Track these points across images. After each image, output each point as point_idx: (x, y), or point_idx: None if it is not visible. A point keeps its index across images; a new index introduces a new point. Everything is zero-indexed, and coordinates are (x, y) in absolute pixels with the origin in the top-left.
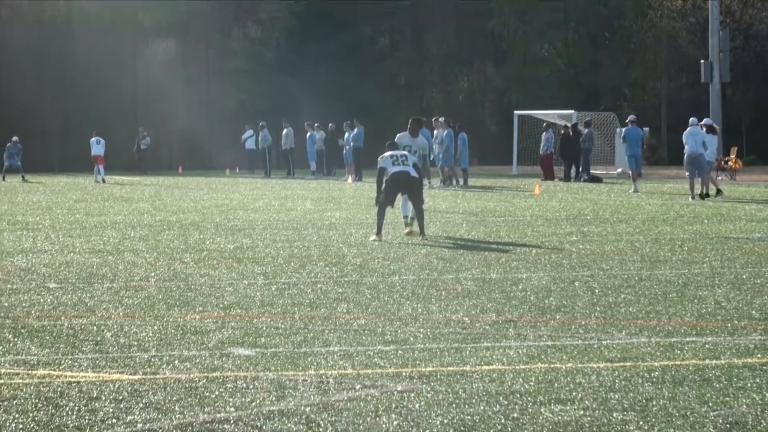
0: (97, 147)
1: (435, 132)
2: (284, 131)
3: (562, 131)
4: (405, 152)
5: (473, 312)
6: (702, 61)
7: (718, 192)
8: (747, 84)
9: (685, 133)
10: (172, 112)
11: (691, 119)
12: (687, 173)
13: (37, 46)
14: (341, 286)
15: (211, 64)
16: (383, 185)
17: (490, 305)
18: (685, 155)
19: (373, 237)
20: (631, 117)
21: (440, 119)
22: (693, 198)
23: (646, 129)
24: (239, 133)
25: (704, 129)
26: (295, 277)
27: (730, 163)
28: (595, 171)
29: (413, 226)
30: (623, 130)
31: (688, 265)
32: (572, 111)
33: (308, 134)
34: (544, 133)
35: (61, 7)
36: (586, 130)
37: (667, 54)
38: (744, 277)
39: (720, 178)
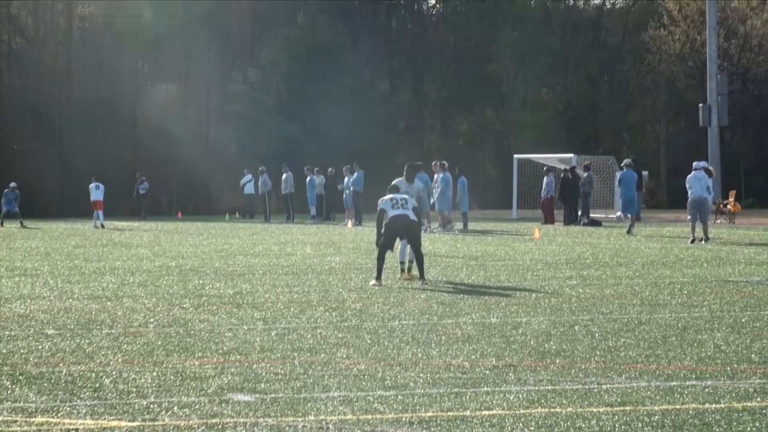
0: (96, 192)
1: (435, 176)
2: (284, 176)
3: (562, 175)
4: (405, 196)
5: (473, 356)
6: (700, 104)
7: (707, 239)
8: (745, 127)
9: (689, 177)
10: (171, 156)
11: (695, 163)
12: (689, 217)
13: (36, 92)
14: (341, 331)
15: (211, 108)
16: (383, 228)
17: (490, 350)
18: (690, 199)
19: (373, 282)
20: (626, 161)
21: (439, 163)
22: (693, 242)
23: (645, 172)
24: (239, 178)
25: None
26: (295, 322)
27: (728, 206)
28: (594, 214)
29: (412, 271)
30: (619, 173)
31: (687, 309)
32: (571, 155)
33: (308, 179)
34: (545, 177)
35: (60, 53)
36: (585, 174)
37: (665, 98)
38: (743, 320)
39: (719, 221)
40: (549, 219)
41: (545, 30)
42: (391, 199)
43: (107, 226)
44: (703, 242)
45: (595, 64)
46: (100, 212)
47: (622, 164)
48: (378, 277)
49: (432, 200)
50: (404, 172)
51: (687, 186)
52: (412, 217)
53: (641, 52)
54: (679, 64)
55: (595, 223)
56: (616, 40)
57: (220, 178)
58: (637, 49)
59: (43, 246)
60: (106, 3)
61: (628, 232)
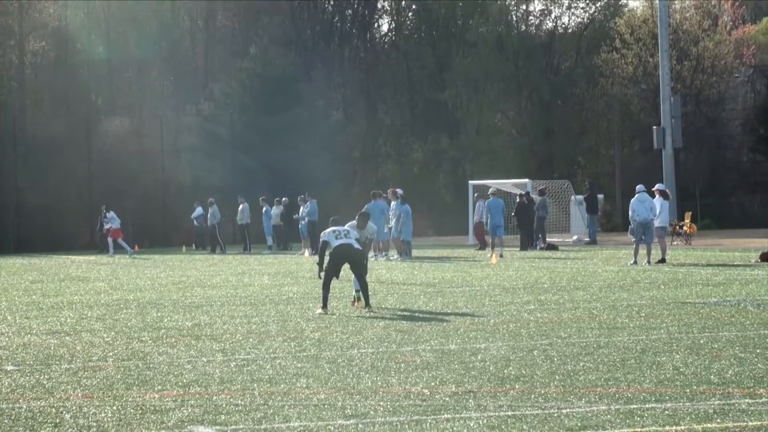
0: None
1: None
2: (240, 207)
3: (518, 200)
4: (348, 228)
5: (433, 383)
6: (654, 127)
7: (663, 260)
8: (699, 149)
9: (633, 200)
10: (126, 189)
11: (638, 186)
12: (633, 239)
13: None
14: (300, 361)
15: (165, 141)
16: (326, 259)
17: (450, 376)
18: (635, 222)
19: (319, 310)
20: (492, 189)
21: (391, 191)
22: (635, 263)
23: (601, 195)
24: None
25: (657, 194)
26: (254, 353)
27: (684, 227)
28: (551, 239)
29: (361, 299)
30: (485, 202)
31: (645, 331)
32: (527, 180)
33: (263, 209)
34: (477, 203)
35: (13, 88)
36: (540, 199)
37: (619, 121)
38: (701, 341)
39: (675, 243)
40: (482, 243)
41: (498, 56)
42: (333, 231)
43: (64, 260)
44: (647, 264)
45: (549, 88)
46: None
47: (489, 192)
48: (324, 306)
49: (387, 227)
50: (356, 219)
51: (631, 209)
52: (356, 246)
53: (594, 75)
54: (632, 87)
55: (552, 247)
56: (568, 65)
57: (175, 211)
58: (590, 72)
59: None
60: (57, 38)
61: (501, 255)
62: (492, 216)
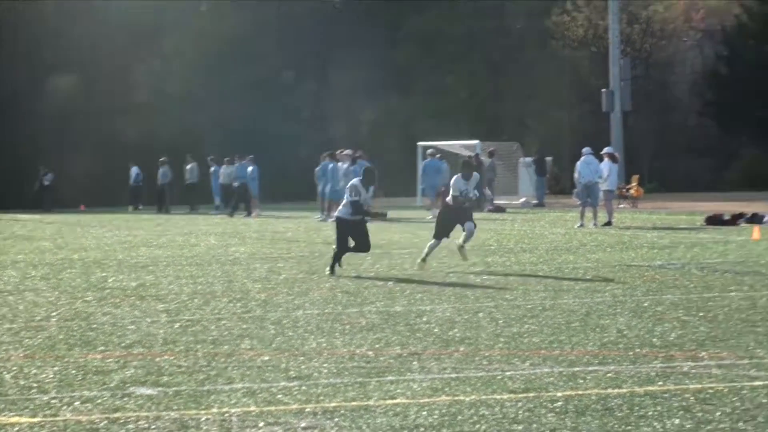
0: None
1: (339, 164)
2: (188, 166)
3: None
4: (349, 186)
5: (377, 345)
6: (603, 90)
7: (609, 223)
8: (648, 112)
9: (579, 162)
10: (74, 148)
11: (584, 149)
12: (579, 201)
13: None
14: (245, 322)
15: (115, 98)
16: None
17: (395, 338)
18: (580, 184)
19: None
20: (429, 150)
21: (345, 152)
22: (582, 225)
23: (549, 158)
24: (143, 169)
25: (606, 157)
26: (199, 313)
27: (631, 191)
28: (498, 201)
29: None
30: (424, 162)
31: (590, 294)
32: (476, 141)
33: (212, 169)
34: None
35: None
36: (489, 161)
37: (569, 83)
38: (645, 305)
39: (621, 206)
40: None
41: (450, 17)
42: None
43: (5, 218)
44: (594, 226)
45: (500, 50)
46: None
47: (427, 153)
48: (331, 268)
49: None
50: (461, 170)
51: (576, 171)
52: (342, 215)
53: (545, 38)
54: (583, 50)
55: (500, 209)
56: (520, 27)
57: (122, 170)
58: (542, 35)
59: None
60: None
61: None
62: (427, 177)
